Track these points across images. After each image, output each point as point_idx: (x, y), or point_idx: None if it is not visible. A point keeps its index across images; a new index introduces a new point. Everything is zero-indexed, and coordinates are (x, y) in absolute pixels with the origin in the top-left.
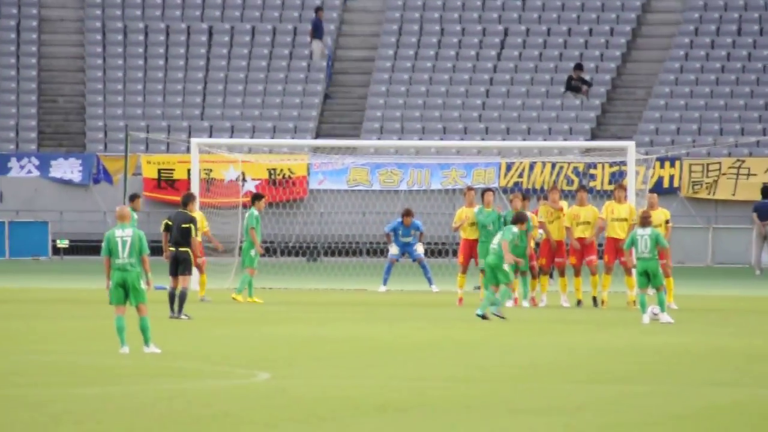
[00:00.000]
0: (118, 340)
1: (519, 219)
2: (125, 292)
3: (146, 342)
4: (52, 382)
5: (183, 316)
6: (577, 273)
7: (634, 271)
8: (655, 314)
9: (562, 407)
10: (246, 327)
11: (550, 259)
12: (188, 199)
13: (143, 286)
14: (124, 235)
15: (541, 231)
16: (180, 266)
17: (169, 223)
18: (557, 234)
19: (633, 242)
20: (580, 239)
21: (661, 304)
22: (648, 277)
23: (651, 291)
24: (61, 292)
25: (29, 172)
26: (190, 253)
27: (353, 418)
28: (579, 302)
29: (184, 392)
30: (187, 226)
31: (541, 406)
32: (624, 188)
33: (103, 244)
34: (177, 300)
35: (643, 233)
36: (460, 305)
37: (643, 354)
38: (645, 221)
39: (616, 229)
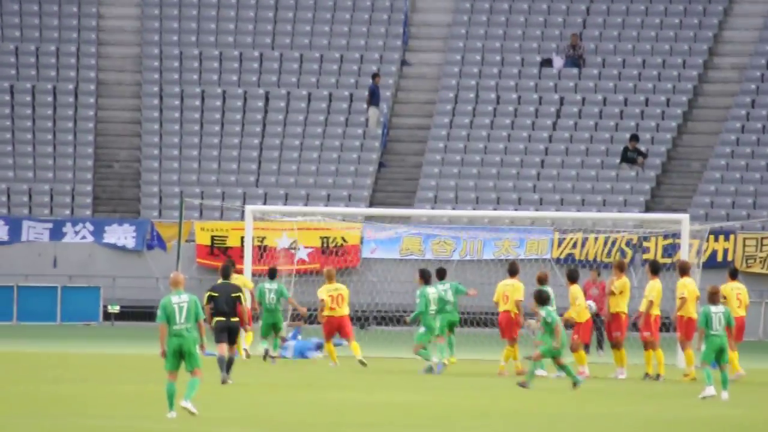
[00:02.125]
0: (167, 404)
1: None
2: (181, 357)
3: (187, 397)
4: None
5: (230, 380)
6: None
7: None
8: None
9: None
10: (294, 393)
11: (609, 332)
12: (229, 270)
13: (197, 350)
14: (180, 301)
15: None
16: (231, 335)
17: (214, 294)
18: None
19: (707, 319)
20: (615, 314)
21: (724, 382)
22: (720, 354)
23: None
24: (111, 358)
25: (83, 237)
26: (239, 324)
27: None
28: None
29: None
30: (236, 295)
31: None
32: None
33: (159, 311)
34: (226, 364)
35: (716, 311)
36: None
37: (693, 426)
38: (715, 298)
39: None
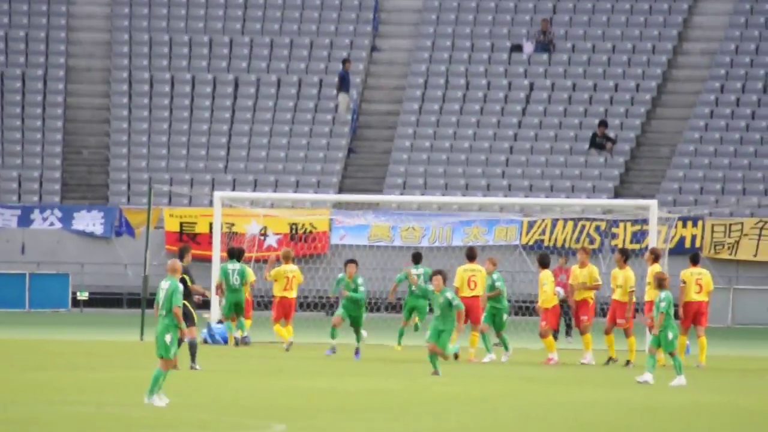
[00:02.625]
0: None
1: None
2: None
3: (149, 392)
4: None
5: (197, 367)
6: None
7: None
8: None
9: None
10: (264, 379)
11: (577, 318)
12: (184, 251)
13: (164, 338)
14: (162, 287)
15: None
16: (186, 319)
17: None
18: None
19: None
20: (614, 301)
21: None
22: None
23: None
24: (80, 344)
25: (51, 224)
26: (188, 305)
27: None
28: (627, 362)
29: None
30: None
31: None
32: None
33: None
34: (189, 351)
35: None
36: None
37: (660, 412)
38: (663, 284)
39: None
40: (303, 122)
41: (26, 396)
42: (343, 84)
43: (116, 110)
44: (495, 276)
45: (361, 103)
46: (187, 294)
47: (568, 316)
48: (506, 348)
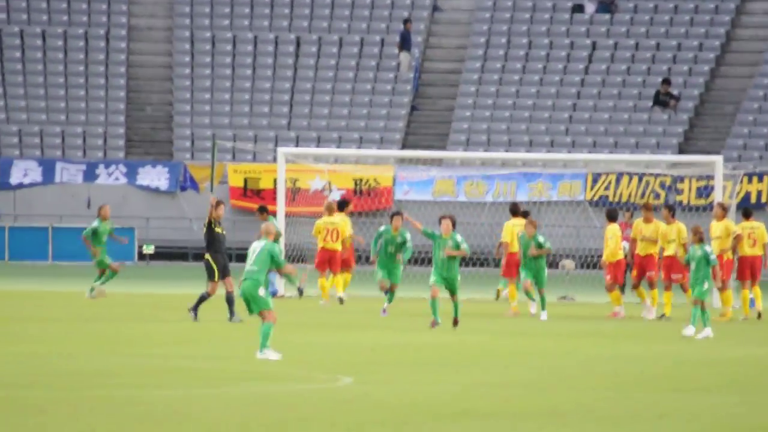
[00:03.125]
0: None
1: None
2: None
3: (261, 346)
4: (139, 384)
5: (237, 318)
6: (635, 286)
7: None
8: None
9: (645, 416)
10: (330, 333)
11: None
12: (218, 204)
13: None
14: (255, 246)
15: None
16: (215, 272)
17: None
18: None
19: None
20: (642, 255)
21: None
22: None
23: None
24: (147, 297)
25: (117, 179)
26: (214, 259)
27: (435, 423)
28: (662, 316)
29: (268, 395)
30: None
31: (624, 414)
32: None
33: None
34: (227, 303)
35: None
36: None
37: (729, 365)
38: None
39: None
40: (365, 80)
41: (94, 347)
42: (405, 43)
43: (179, 68)
44: (541, 238)
45: (423, 61)
46: (215, 248)
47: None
48: (543, 307)
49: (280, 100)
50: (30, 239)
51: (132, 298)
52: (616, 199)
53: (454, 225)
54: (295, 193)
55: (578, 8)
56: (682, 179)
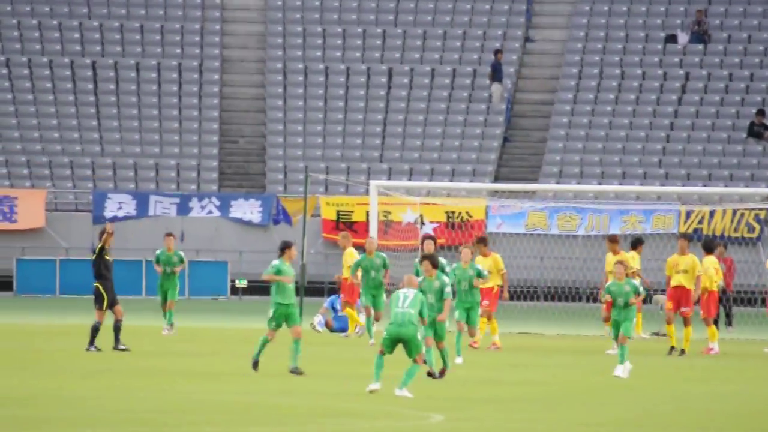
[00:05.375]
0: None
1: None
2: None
3: (402, 384)
4: (228, 421)
5: (121, 347)
6: (669, 321)
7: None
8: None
9: None
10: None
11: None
12: (102, 234)
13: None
14: (406, 293)
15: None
16: (99, 300)
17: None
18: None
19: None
20: (678, 288)
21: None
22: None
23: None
24: (238, 332)
25: (210, 212)
26: (100, 287)
27: None
28: (682, 351)
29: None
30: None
31: None
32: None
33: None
34: (114, 332)
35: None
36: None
37: None
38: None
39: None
40: (457, 112)
41: (182, 383)
42: (496, 74)
43: (271, 100)
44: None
45: (515, 92)
46: (106, 276)
47: (728, 305)
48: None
49: (373, 132)
50: (123, 273)
51: (224, 332)
52: (711, 232)
53: (434, 266)
54: (387, 226)
55: (671, 38)
56: None
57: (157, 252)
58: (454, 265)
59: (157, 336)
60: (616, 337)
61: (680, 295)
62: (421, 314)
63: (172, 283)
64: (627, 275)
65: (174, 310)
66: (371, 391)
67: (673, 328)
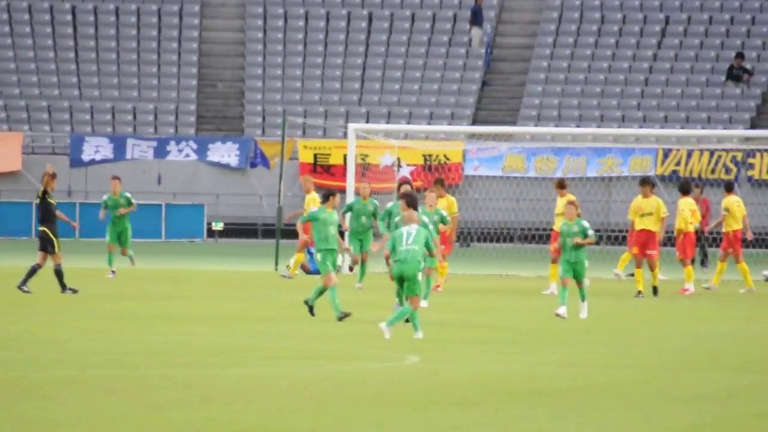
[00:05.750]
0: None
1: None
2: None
3: (389, 323)
4: (205, 363)
5: (69, 291)
6: (638, 264)
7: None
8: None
9: (713, 396)
10: (390, 312)
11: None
12: (52, 177)
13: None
14: (409, 230)
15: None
16: (48, 245)
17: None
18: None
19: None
20: (643, 231)
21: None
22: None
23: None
24: (215, 274)
25: (187, 155)
26: (48, 232)
27: (503, 402)
28: (654, 289)
29: (335, 374)
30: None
31: (692, 394)
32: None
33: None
34: (56, 277)
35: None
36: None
37: None
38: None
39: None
40: (437, 56)
41: (160, 325)
42: (476, 18)
43: (251, 44)
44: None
45: (495, 36)
46: (51, 219)
47: (703, 248)
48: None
49: (351, 76)
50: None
51: (200, 275)
52: (687, 174)
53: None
54: (365, 169)
55: None
56: (753, 154)
57: (104, 197)
58: (419, 209)
59: (135, 278)
60: (575, 277)
61: (646, 238)
62: (427, 247)
63: (124, 226)
64: (578, 215)
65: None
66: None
67: (642, 271)
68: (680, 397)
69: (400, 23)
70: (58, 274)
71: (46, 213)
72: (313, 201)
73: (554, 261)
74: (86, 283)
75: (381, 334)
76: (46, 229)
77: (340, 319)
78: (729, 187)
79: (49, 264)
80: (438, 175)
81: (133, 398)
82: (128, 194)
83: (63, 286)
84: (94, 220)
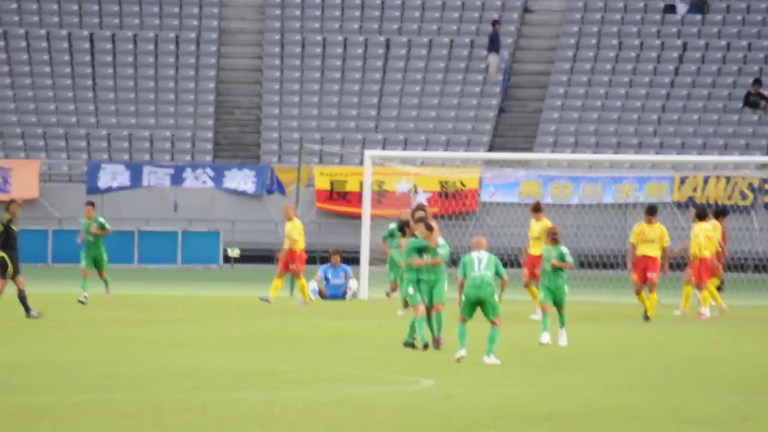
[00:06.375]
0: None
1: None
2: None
3: (489, 351)
4: (220, 386)
5: (34, 314)
6: (638, 291)
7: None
8: None
9: (728, 418)
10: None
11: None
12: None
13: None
14: (479, 256)
15: None
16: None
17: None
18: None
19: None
20: (644, 257)
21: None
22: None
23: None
24: (231, 300)
25: (204, 182)
26: (6, 257)
27: (517, 426)
28: (646, 317)
29: (349, 398)
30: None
31: (707, 417)
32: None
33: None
34: (21, 302)
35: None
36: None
37: None
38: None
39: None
40: (454, 82)
41: (175, 350)
42: (494, 44)
43: (268, 71)
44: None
45: (512, 63)
46: (11, 245)
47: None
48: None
49: (368, 103)
50: (117, 243)
51: (217, 301)
52: (704, 200)
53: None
54: (381, 196)
55: (669, 8)
56: None
57: (81, 221)
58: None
59: (149, 305)
60: (556, 304)
61: (646, 264)
62: (497, 273)
63: (99, 251)
64: (557, 241)
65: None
66: (459, 359)
67: (643, 296)
68: (695, 420)
69: (417, 50)
70: (22, 299)
71: (8, 239)
72: (295, 228)
73: (527, 285)
74: (100, 309)
75: (493, 366)
76: (5, 255)
77: (406, 344)
78: (701, 215)
79: (13, 289)
80: (465, 202)
81: (147, 422)
82: (102, 219)
83: (27, 310)
84: (111, 247)
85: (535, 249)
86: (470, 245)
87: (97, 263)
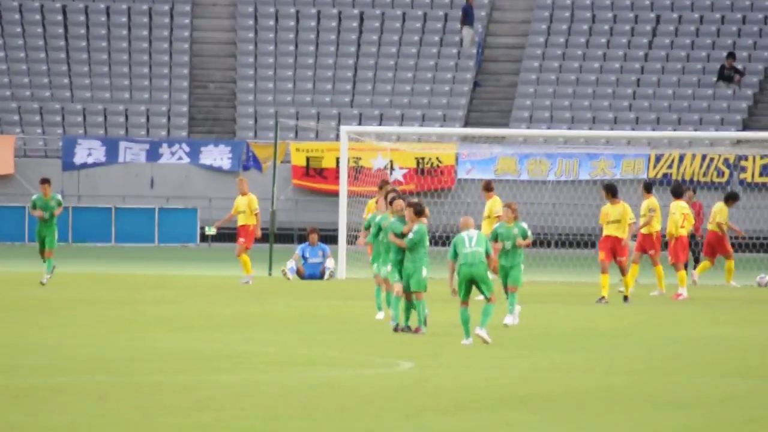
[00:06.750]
0: (463, 331)
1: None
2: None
3: (482, 324)
4: (197, 369)
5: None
6: (603, 270)
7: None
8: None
9: (706, 401)
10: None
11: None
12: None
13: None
14: (470, 234)
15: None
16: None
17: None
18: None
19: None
20: (609, 237)
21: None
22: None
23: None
24: (208, 279)
25: (180, 158)
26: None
27: (496, 408)
28: (625, 298)
29: (327, 380)
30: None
31: (685, 399)
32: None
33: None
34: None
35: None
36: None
37: None
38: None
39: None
40: (428, 56)
41: (153, 331)
42: (468, 18)
43: (242, 45)
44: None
45: (486, 36)
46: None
47: (696, 250)
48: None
49: (343, 77)
50: (93, 220)
51: (193, 280)
52: (680, 177)
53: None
54: (357, 172)
55: None
56: (746, 157)
57: (33, 197)
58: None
59: (127, 283)
60: (510, 282)
61: (613, 245)
62: (486, 252)
63: (50, 229)
64: (516, 218)
65: (54, 258)
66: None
67: (607, 277)
68: (673, 403)
69: (391, 23)
70: None
71: None
72: (249, 203)
73: (495, 271)
74: (77, 289)
75: (471, 348)
76: None
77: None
78: (648, 188)
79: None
80: (442, 179)
81: (125, 405)
82: (59, 196)
83: None
84: (87, 225)
85: (487, 229)
86: (449, 224)
87: (46, 241)
